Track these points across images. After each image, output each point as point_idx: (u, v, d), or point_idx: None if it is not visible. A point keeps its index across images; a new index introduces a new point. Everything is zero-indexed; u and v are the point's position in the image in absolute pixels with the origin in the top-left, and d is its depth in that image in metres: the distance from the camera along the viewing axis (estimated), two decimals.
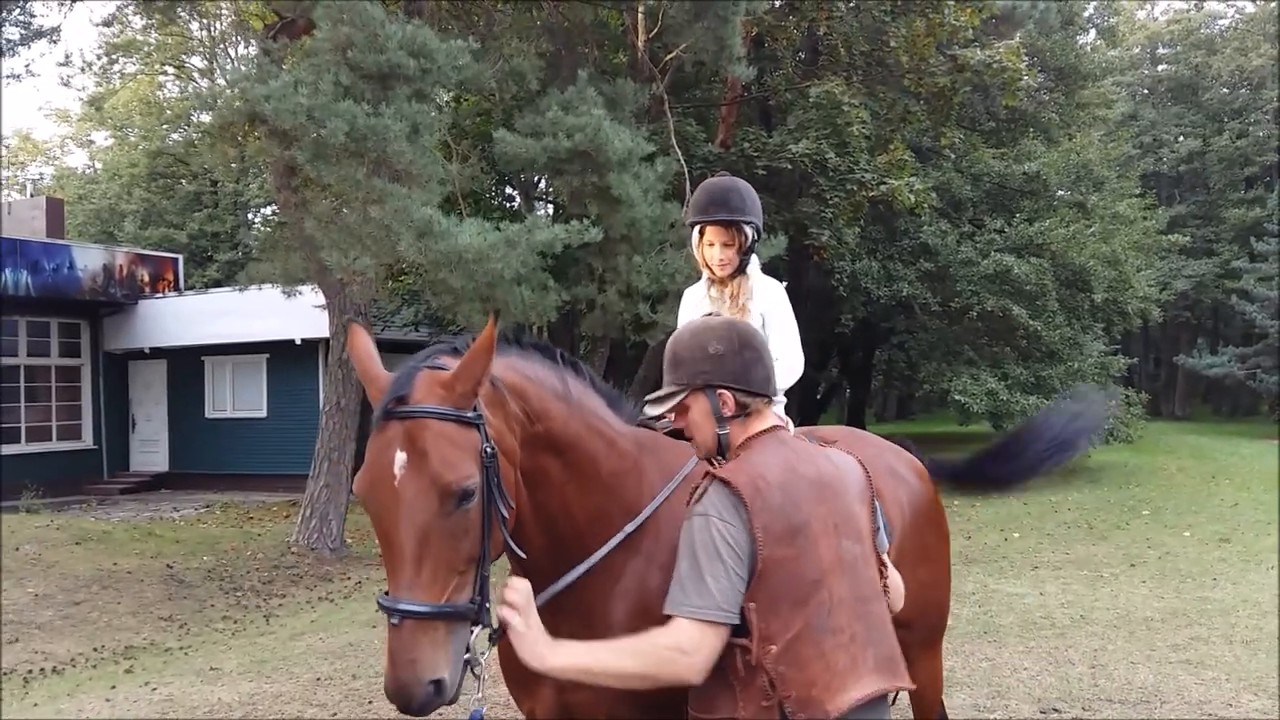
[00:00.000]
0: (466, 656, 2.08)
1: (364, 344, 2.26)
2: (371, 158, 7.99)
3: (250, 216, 35.55)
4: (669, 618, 2.06)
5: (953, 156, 18.43)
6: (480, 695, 2.17)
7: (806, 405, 24.39)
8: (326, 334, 12.86)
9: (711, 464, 2.32)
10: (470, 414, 2.12)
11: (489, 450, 2.13)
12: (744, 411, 2.26)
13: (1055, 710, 5.48)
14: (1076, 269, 17.41)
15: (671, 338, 2.36)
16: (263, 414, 19.48)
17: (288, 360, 18.79)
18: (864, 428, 23.54)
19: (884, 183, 14.82)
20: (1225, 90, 40.39)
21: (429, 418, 2.07)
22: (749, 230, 3.21)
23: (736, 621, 2.03)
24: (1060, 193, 20.51)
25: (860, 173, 14.99)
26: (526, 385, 2.36)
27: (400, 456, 2.04)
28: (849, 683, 2.11)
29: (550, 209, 18.03)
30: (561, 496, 2.41)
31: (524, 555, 2.29)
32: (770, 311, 3.30)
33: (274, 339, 18.29)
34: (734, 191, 3.22)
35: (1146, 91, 43.09)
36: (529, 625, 2.08)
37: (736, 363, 2.26)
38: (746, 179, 12.69)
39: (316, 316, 14.45)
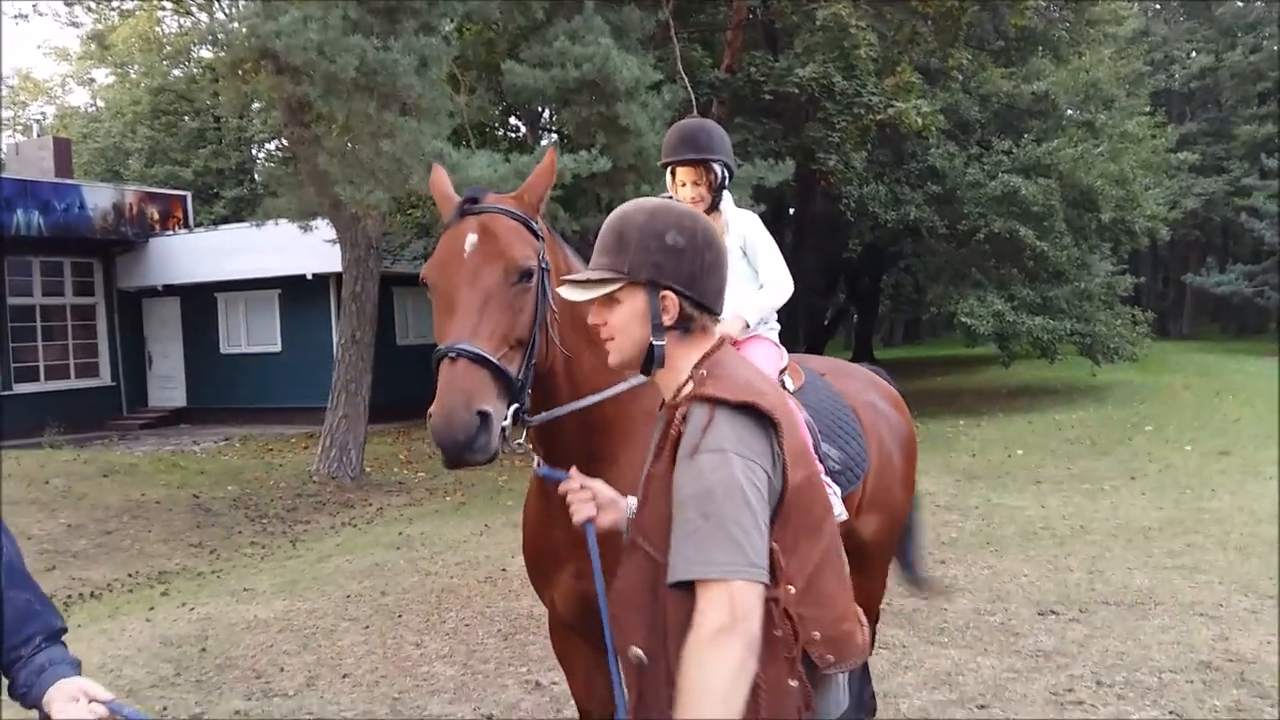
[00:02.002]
0: (504, 425, 2.20)
1: (443, 178, 2.55)
2: (382, 91, 8.05)
3: (255, 152, 35.40)
4: (682, 588, 1.63)
5: (960, 78, 18.26)
6: (538, 462, 2.40)
7: (814, 332, 24.55)
8: (338, 269, 13.01)
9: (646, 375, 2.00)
10: (534, 223, 2.39)
11: (545, 260, 2.39)
12: (686, 325, 1.83)
13: (1053, 613, 5.75)
14: (1084, 189, 17.35)
15: (618, 212, 1.91)
16: (277, 349, 19.74)
17: (300, 295, 18.98)
18: (871, 353, 23.93)
19: (891, 105, 14.75)
20: (1239, 4, 39.59)
21: (499, 214, 2.34)
22: (718, 168, 3.38)
23: (767, 580, 1.65)
24: (1070, 112, 20.33)
25: (867, 96, 14.91)
26: (574, 265, 2.61)
27: (472, 238, 2.28)
28: (855, 608, 1.90)
29: (556, 139, 18.00)
30: (593, 383, 2.57)
31: (569, 354, 2.48)
32: (749, 237, 3.48)
33: (285, 274, 18.47)
34: (701, 131, 3.40)
35: (1158, 6, 42.26)
36: None
37: (695, 263, 1.81)
38: (752, 104, 12.69)
39: (326, 251, 14.61)
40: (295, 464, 13.70)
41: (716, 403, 1.70)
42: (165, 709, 4.96)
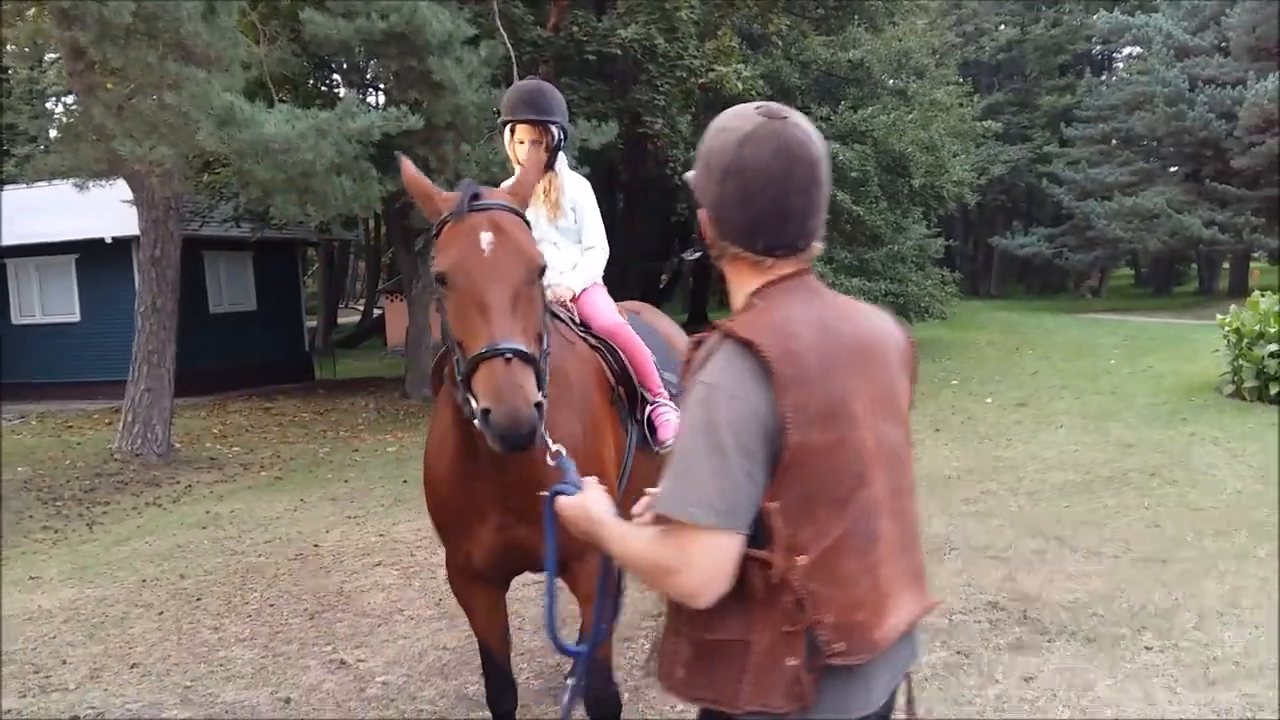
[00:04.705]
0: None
1: (415, 171, 2.61)
2: (165, 39, 7.44)
3: (50, 105, 32.67)
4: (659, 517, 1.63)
5: (781, 44, 18.59)
6: (557, 449, 2.47)
7: (649, 294, 24.71)
8: (138, 231, 12.13)
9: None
10: (528, 219, 2.58)
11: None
12: (718, 251, 1.78)
13: None
14: (896, 155, 18.02)
15: None
16: (75, 318, 18.38)
17: (100, 260, 17.69)
18: (706, 315, 24.32)
19: (712, 69, 14.88)
20: None
21: (506, 211, 2.48)
22: (555, 130, 3.54)
23: (741, 529, 1.57)
24: (890, 81, 21.04)
25: (689, 59, 14.98)
26: None
27: (488, 235, 2.39)
28: (894, 604, 1.72)
29: (382, 96, 17.34)
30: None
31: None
32: (579, 203, 3.70)
33: (83, 238, 17.18)
34: (540, 94, 3.56)
35: None
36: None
37: (716, 191, 1.72)
38: (579, 65, 12.51)
39: (129, 213, 13.62)
40: (96, 441, 12.82)
41: (726, 335, 1.64)
42: None
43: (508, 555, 2.97)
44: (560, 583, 2.61)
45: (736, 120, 1.71)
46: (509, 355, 2.25)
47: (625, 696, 3.68)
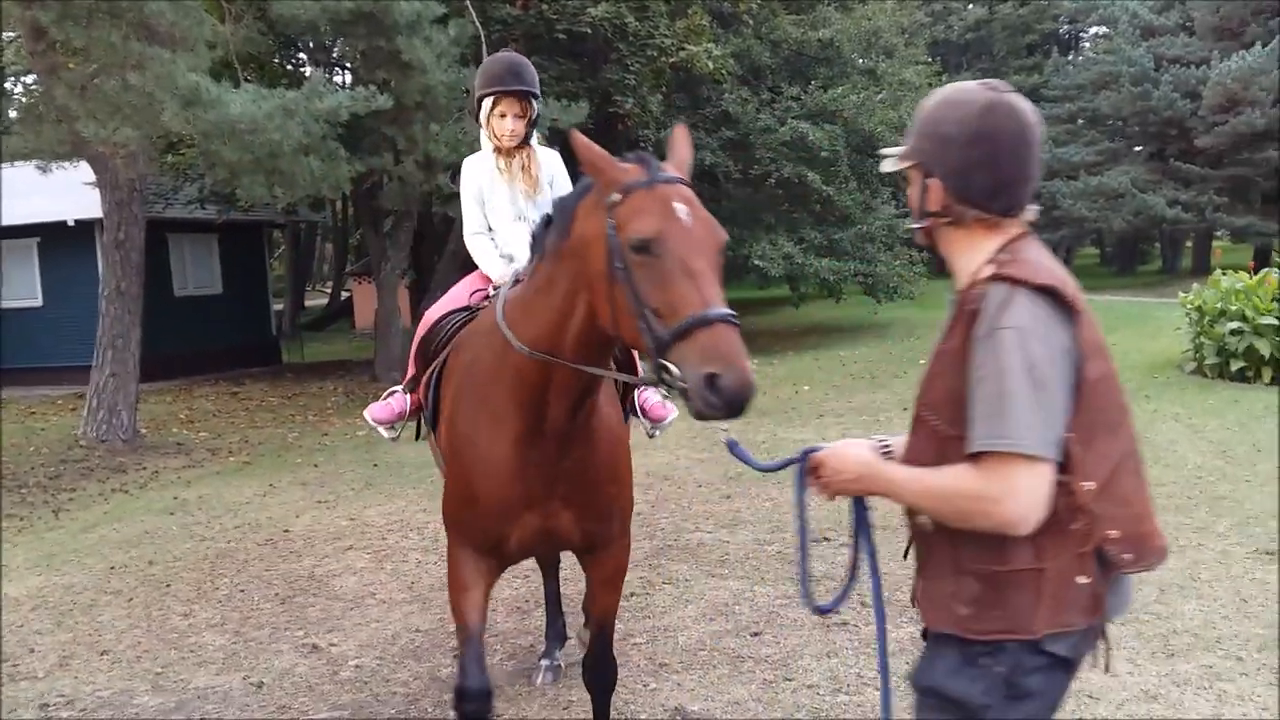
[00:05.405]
0: None
1: (584, 138, 2.58)
2: (129, 18, 7.30)
3: (9, 86, 31.98)
4: (973, 456, 1.71)
5: (751, 23, 18.57)
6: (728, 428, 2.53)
7: None
8: (101, 214, 11.94)
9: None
10: None
11: None
12: (955, 216, 1.88)
13: (826, 539, 6.01)
14: (866, 135, 18.07)
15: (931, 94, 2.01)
16: (38, 303, 18.09)
17: (62, 243, 17.41)
18: None
19: (683, 49, 14.84)
20: None
21: (688, 185, 2.48)
22: (535, 104, 3.52)
23: (1056, 458, 1.70)
24: (860, 60, 21.05)
25: (660, 38, 14.93)
26: None
27: (683, 207, 2.39)
28: (1151, 510, 1.90)
29: (349, 76, 17.15)
30: None
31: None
32: (556, 179, 3.67)
33: (44, 221, 16.89)
34: (522, 66, 3.52)
35: None
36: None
37: (962, 157, 1.84)
38: (549, 44, 12.41)
39: (90, 196, 13.40)
40: (60, 427, 12.67)
41: (1016, 283, 1.73)
42: None
43: (546, 541, 3.02)
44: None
45: (966, 94, 1.87)
46: (734, 321, 2.23)
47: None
